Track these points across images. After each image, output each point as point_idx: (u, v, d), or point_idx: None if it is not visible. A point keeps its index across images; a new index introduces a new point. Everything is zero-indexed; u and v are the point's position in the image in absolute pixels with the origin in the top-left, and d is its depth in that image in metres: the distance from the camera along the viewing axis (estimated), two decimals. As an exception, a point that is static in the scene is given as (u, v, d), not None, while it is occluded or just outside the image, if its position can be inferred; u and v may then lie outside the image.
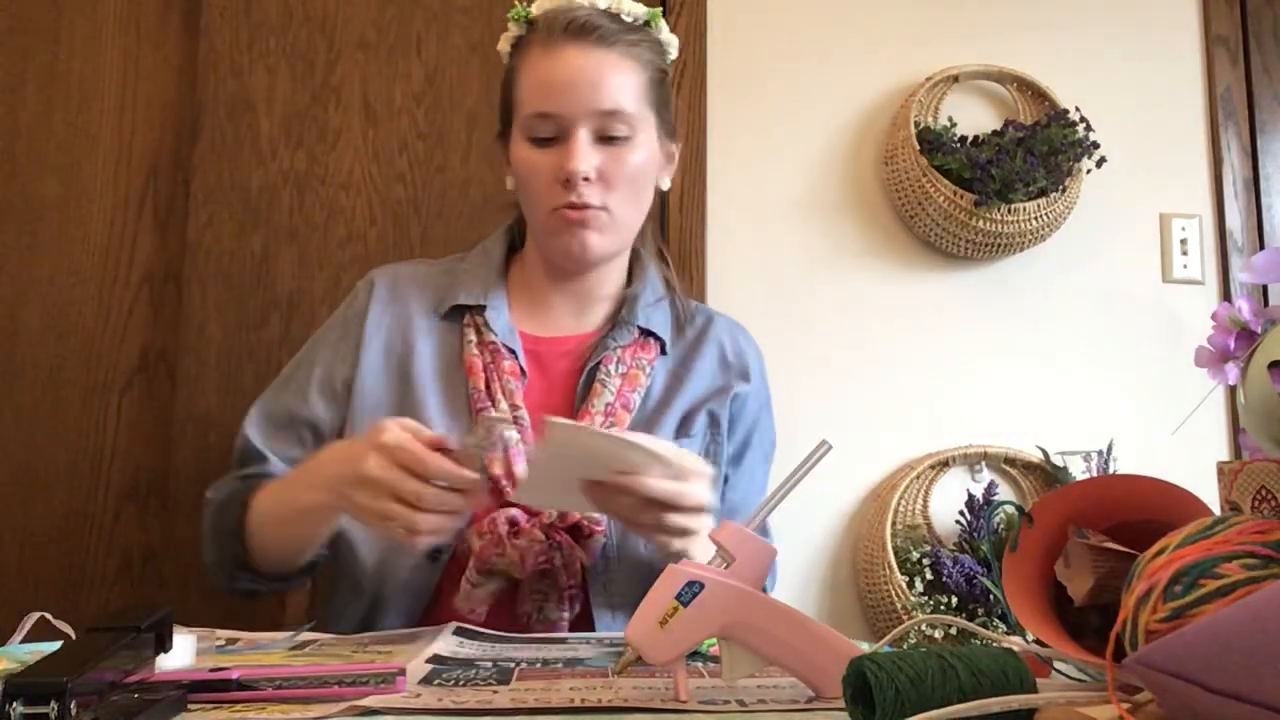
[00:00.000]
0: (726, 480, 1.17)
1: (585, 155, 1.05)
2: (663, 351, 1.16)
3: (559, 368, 1.14)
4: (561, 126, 1.06)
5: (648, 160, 1.10)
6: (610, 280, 1.18)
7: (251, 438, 1.11)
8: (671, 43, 1.15)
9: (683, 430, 1.13)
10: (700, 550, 0.93)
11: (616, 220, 1.09)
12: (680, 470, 0.85)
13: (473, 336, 1.12)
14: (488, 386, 1.08)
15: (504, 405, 1.06)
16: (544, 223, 1.10)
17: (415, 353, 1.12)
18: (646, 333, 1.15)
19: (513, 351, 1.11)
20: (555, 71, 1.05)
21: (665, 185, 1.17)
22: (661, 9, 1.22)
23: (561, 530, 1.02)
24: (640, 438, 0.82)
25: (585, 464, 0.84)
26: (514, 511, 1.01)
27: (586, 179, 1.05)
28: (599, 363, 1.11)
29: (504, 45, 1.13)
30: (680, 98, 1.65)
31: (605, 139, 1.07)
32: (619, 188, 1.08)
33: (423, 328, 1.14)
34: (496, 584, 1.01)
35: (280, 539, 1.03)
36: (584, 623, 1.04)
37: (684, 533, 0.89)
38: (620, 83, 1.06)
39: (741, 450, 1.18)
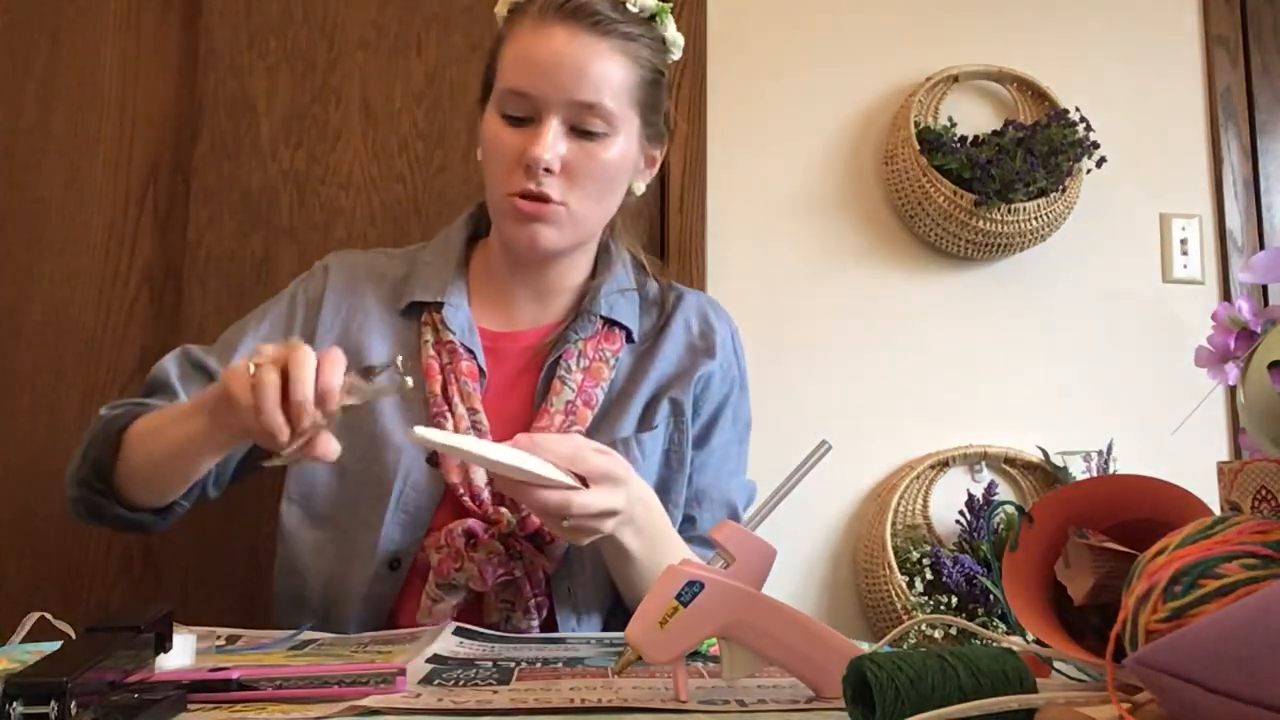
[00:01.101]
0: (692, 464, 1.10)
1: (552, 145, 0.99)
2: (629, 340, 1.12)
3: (518, 365, 1.09)
4: (535, 108, 1.01)
5: (620, 162, 1.05)
6: (574, 271, 1.13)
7: (168, 370, 1.08)
8: (676, 42, 1.09)
9: (644, 423, 1.07)
10: (630, 537, 0.92)
11: (574, 217, 1.04)
12: (561, 482, 0.81)
13: (430, 336, 1.08)
14: (444, 390, 1.04)
15: (461, 409, 1.03)
16: (499, 205, 1.06)
17: (371, 353, 1.08)
18: (611, 323, 1.11)
19: (471, 351, 1.07)
20: (539, 50, 1.00)
21: (639, 190, 1.13)
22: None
23: (522, 539, 0.99)
24: (517, 455, 0.79)
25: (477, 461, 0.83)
26: (471, 523, 0.98)
27: (549, 170, 1.00)
28: (559, 358, 1.07)
29: (500, 9, 1.07)
30: (680, 98, 1.65)
31: (578, 131, 1.01)
32: (583, 184, 1.02)
33: (378, 325, 1.10)
34: (458, 598, 0.98)
35: (150, 451, 0.98)
36: (549, 628, 1.01)
37: (591, 533, 0.87)
38: (606, 76, 1.00)
39: (706, 431, 1.12)
